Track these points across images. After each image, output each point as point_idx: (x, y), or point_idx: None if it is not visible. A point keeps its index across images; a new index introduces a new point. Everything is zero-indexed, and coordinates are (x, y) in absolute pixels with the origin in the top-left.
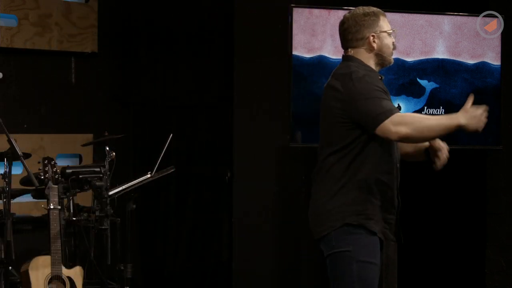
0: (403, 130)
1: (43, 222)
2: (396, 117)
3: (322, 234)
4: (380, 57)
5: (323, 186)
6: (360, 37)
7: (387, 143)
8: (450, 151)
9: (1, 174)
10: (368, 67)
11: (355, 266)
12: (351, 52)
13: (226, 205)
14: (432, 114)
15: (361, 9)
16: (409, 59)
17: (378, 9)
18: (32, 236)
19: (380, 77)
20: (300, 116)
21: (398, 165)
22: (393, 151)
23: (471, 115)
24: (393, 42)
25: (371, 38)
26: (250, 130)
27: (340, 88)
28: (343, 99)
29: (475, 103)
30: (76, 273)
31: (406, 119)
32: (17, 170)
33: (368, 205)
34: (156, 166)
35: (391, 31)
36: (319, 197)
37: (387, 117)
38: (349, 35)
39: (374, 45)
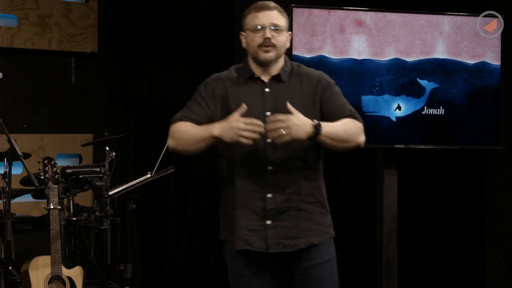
0: (170, 142)
1: (43, 222)
2: (171, 127)
3: None
4: (251, 55)
5: None
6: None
7: (241, 145)
8: (450, 151)
9: (1, 174)
10: (239, 66)
11: (231, 277)
12: None
13: None
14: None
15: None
16: (409, 59)
17: (256, 5)
18: (32, 236)
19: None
20: None
21: (269, 167)
22: (255, 153)
23: (228, 125)
24: (266, 38)
25: (241, 37)
26: None
27: None
28: None
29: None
30: (76, 273)
31: (171, 130)
32: (17, 170)
33: (227, 217)
34: (156, 166)
35: (252, 26)
36: None
37: (170, 126)
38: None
39: (243, 44)
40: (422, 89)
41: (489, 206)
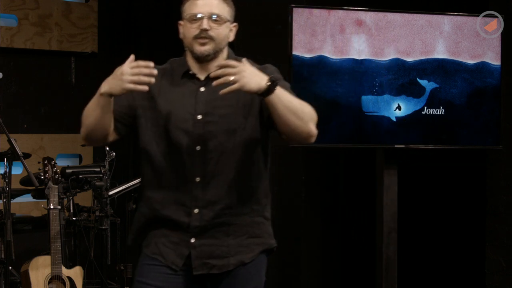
0: (81, 131)
1: (43, 222)
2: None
3: None
4: (187, 47)
5: None
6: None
7: (165, 152)
8: (450, 151)
9: (1, 174)
10: (178, 60)
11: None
12: None
13: None
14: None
15: None
16: (409, 59)
17: None
18: (32, 236)
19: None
20: None
21: (197, 179)
22: (181, 161)
23: (112, 76)
24: (202, 29)
25: (179, 27)
26: None
27: None
28: None
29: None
30: (76, 273)
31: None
32: (17, 170)
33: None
34: None
35: (190, 15)
36: None
37: None
38: None
39: (180, 34)
40: (422, 89)
41: (489, 206)
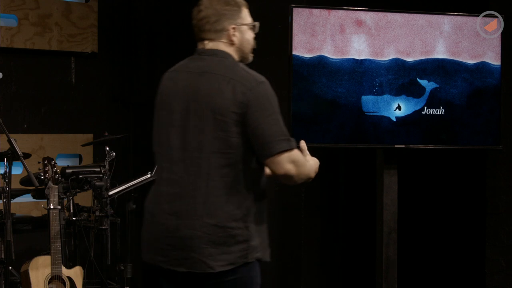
0: (293, 170)
1: (43, 222)
2: (295, 153)
3: None
4: (240, 53)
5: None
6: (219, 28)
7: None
8: (450, 151)
9: (1, 174)
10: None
11: None
12: (208, 45)
13: None
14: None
15: None
16: (409, 59)
17: (245, 1)
18: (32, 236)
19: None
20: (300, 116)
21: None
22: None
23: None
24: (253, 38)
25: (231, 30)
26: None
27: (244, 88)
28: (246, 103)
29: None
30: (76, 273)
31: (300, 160)
32: (17, 170)
33: (259, 233)
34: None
35: (252, 24)
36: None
37: (288, 148)
38: (206, 25)
39: (235, 38)
40: (422, 89)
41: (489, 206)
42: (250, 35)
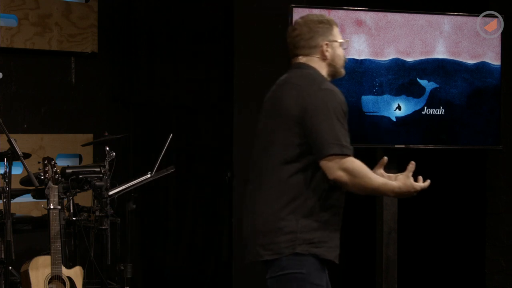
0: (344, 178)
1: (43, 222)
2: (348, 161)
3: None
4: (332, 67)
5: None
6: (313, 44)
7: None
8: (450, 151)
9: (1, 174)
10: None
11: None
12: (302, 59)
13: (226, 205)
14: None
15: (315, 16)
16: (409, 59)
17: (331, 18)
18: (32, 236)
19: None
20: None
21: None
22: None
23: (407, 190)
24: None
25: (325, 46)
26: (250, 130)
27: (305, 93)
28: (305, 107)
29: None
30: (76, 273)
31: (355, 170)
32: (17, 170)
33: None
34: (156, 166)
35: (343, 41)
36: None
37: (339, 153)
38: (301, 41)
39: (327, 54)
40: (422, 89)
41: (489, 206)
42: (341, 51)
